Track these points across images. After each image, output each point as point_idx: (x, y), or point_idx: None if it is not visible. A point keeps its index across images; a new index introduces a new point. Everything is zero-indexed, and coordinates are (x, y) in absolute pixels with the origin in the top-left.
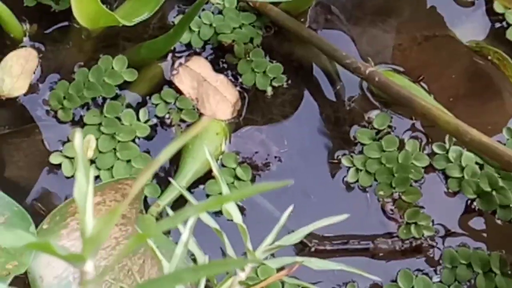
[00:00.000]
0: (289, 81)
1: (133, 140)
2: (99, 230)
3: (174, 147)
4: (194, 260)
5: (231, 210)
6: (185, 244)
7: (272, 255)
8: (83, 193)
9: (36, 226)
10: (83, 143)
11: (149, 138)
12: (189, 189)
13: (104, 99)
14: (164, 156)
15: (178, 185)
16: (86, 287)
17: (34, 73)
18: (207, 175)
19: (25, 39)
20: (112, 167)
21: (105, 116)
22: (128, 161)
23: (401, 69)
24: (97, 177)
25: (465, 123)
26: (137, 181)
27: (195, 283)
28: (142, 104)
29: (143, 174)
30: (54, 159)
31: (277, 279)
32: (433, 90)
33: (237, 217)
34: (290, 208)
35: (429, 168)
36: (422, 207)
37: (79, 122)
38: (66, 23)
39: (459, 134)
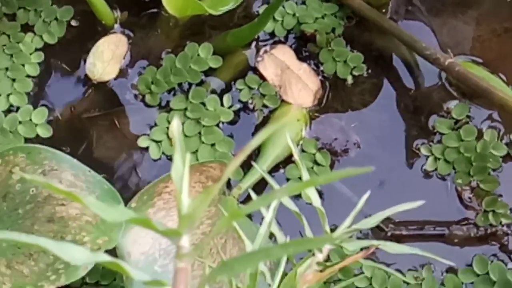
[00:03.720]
0: (369, 71)
1: (217, 125)
2: (194, 208)
3: (266, 133)
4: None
5: (311, 194)
6: (268, 224)
7: (350, 238)
8: (180, 174)
9: (124, 205)
10: (170, 127)
11: (232, 122)
12: (269, 172)
13: (190, 84)
14: (256, 142)
15: (260, 169)
16: (181, 260)
17: (123, 58)
18: (287, 160)
19: (116, 25)
20: (197, 150)
21: (190, 102)
22: (213, 144)
23: (480, 60)
24: None
25: None
26: (230, 164)
27: (276, 263)
28: (226, 90)
29: (236, 158)
30: (142, 142)
31: (354, 260)
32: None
33: (316, 201)
34: (367, 194)
35: (507, 157)
36: (500, 195)
37: (165, 107)
38: (155, 11)
39: None
